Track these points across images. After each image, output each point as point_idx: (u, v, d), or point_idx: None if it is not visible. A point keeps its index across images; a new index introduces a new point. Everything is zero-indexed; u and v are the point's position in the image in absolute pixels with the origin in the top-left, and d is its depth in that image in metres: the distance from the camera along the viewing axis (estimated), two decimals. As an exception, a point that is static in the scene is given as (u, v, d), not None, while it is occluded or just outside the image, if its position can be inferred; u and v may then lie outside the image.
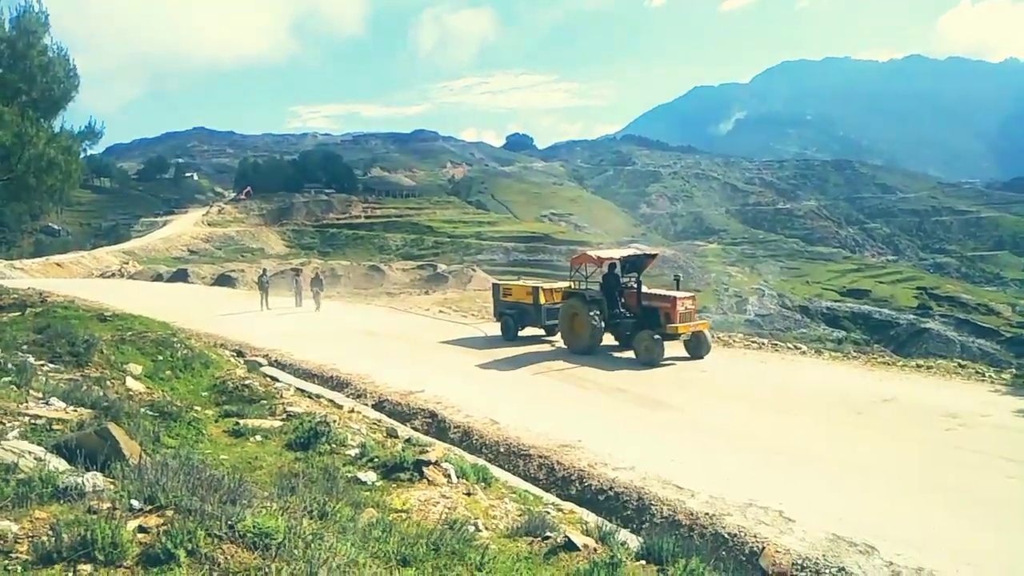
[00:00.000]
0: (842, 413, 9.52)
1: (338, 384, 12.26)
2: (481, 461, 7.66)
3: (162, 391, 9.03)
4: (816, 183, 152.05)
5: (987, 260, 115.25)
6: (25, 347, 9.35)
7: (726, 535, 5.95)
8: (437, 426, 9.72)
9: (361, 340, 17.09)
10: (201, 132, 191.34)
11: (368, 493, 5.54)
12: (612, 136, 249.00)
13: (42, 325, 11.32)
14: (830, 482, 7.02)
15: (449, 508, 5.45)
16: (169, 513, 3.41)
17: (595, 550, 4.56)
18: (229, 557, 3.08)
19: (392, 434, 8.55)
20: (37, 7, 13.56)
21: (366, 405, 10.82)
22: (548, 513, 5.78)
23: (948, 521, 6.03)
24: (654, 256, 15.66)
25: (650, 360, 12.98)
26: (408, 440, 8.07)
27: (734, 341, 15.91)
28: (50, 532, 3.07)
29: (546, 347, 15.52)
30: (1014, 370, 12.63)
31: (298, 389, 10.80)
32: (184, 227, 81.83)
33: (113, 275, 49.17)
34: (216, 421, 7.91)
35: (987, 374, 11.83)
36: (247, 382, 10.19)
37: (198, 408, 8.33)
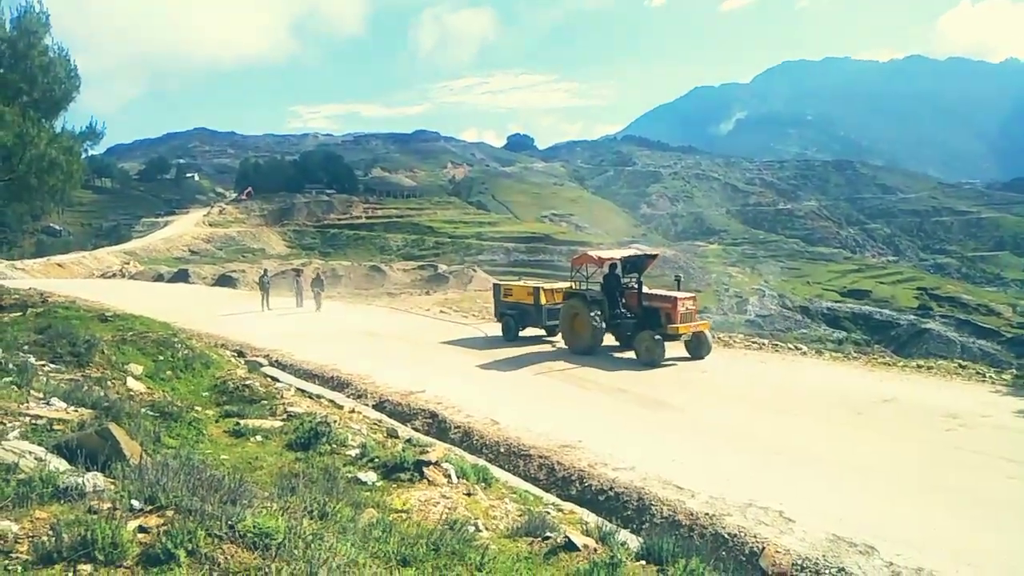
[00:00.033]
0: (842, 413, 9.52)
1: (339, 384, 12.25)
2: (481, 461, 7.66)
3: (163, 391, 9.03)
4: (817, 183, 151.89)
5: (987, 261, 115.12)
6: (26, 347, 9.36)
7: (726, 535, 5.95)
8: (438, 426, 9.72)
9: (362, 340, 17.09)
10: (202, 132, 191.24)
11: (368, 493, 5.54)
12: (612, 136, 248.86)
13: (43, 325, 11.32)
14: (830, 482, 7.02)
15: (449, 508, 5.45)
16: (169, 513, 3.41)
17: (595, 550, 4.56)
18: (229, 557, 3.08)
19: (392, 434, 8.55)
20: (38, 7, 13.62)
21: (367, 405, 10.81)
22: (548, 513, 5.78)
23: (948, 521, 6.02)
24: (655, 256, 15.66)
25: (651, 360, 12.98)
26: (408, 440, 8.07)
27: (735, 341, 15.91)
28: (50, 532, 3.07)
29: (547, 347, 15.52)
30: (1015, 371, 12.63)
31: (299, 389, 10.79)
32: (185, 227, 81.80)
33: (114, 275, 49.19)
34: (217, 421, 7.92)
35: (987, 375, 11.82)
36: (248, 382, 10.19)
37: (199, 408, 8.34)
